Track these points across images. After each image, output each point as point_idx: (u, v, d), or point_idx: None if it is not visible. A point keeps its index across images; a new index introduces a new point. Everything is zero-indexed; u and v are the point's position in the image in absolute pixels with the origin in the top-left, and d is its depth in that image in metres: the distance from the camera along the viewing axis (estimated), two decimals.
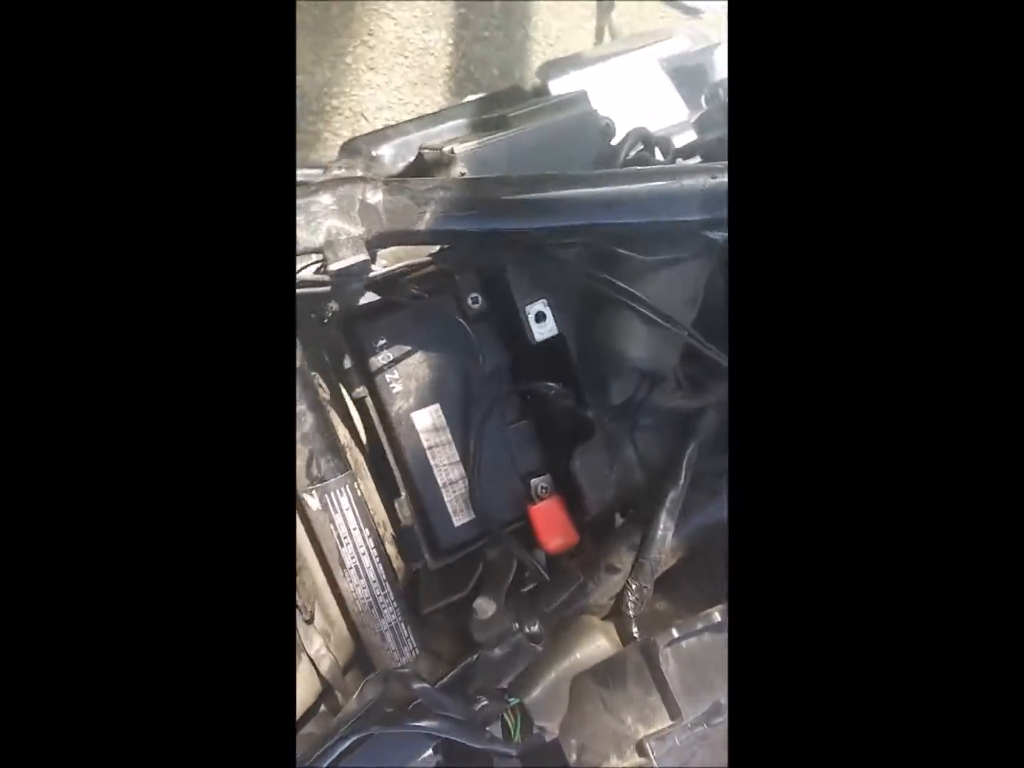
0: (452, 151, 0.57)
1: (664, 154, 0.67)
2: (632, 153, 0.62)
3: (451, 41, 1.41)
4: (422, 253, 0.66)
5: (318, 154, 1.40)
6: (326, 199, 0.51)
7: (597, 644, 0.58)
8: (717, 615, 0.54)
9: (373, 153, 0.76)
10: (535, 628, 0.64)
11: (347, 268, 0.51)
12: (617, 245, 0.56)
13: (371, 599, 0.58)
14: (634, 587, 0.60)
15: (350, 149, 0.77)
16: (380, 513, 0.68)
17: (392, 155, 0.75)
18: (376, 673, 0.52)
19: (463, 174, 0.57)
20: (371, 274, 0.53)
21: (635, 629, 0.58)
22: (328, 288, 0.53)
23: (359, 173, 0.70)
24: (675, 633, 0.51)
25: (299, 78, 1.29)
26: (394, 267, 0.58)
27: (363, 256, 0.51)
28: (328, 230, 0.51)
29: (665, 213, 0.54)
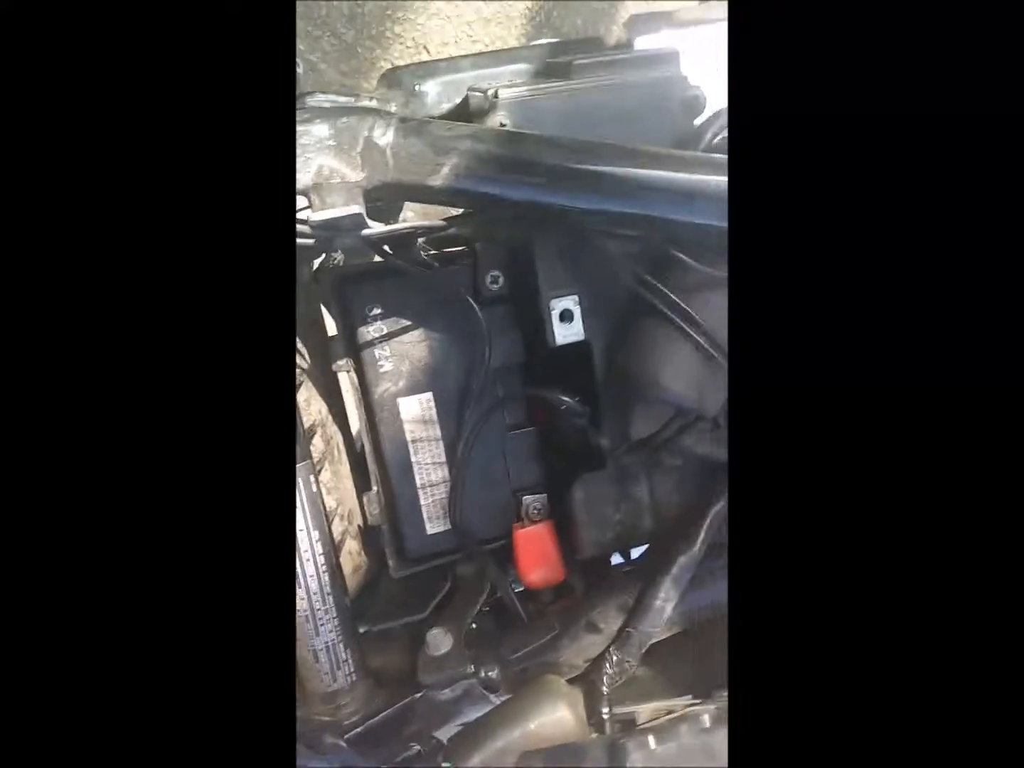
0: (495, 95, 0.46)
1: None
2: (718, 138, 0.50)
3: None
4: (441, 214, 0.55)
5: (370, 83, 1.28)
6: (321, 130, 0.41)
7: (557, 716, 0.48)
8: (707, 719, 0.44)
9: (416, 88, 0.65)
10: (493, 674, 0.55)
11: (333, 220, 0.40)
12: (678, 248, 0.44)
13: (309, 612, 0.49)
14: (615, 659, 0.50)
15: (391, 79, 0.66)
16: (349, 502, 0.59)
17: (438, 93, 0.65)
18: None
19: (503, 125, 0.45)
20: (366, 232, 0.43)
21: (606, 709, 0.49)
22: (311, 241, 0.43)
23: (392, 108, 0.59)
24: (651, 743, 0.41)
25: None
26: (403, 226, 0.47)
27: (356, 208, 0.40)
28: (319, 169, 0.40)
29: None
